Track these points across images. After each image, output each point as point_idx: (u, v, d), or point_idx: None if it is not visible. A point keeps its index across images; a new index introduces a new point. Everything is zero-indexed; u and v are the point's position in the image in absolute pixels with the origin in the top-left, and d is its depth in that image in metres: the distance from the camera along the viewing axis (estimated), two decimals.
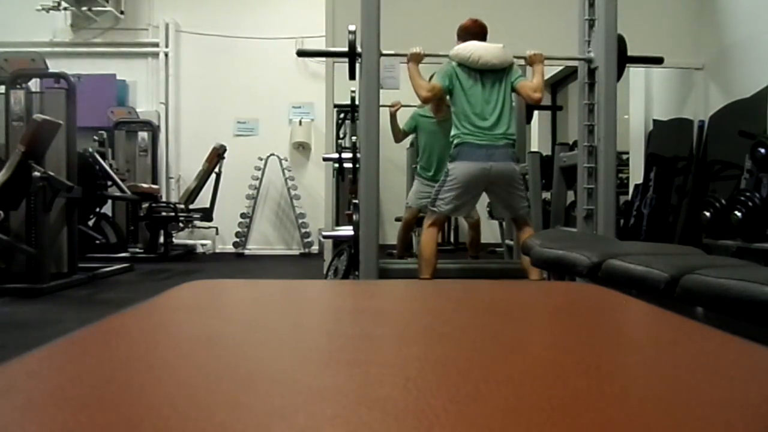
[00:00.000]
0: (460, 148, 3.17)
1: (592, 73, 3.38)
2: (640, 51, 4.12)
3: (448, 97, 3.36)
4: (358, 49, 3.12)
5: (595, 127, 3.34)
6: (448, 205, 3.24)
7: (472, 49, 3.20)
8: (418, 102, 4.41)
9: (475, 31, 3.34)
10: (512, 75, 3.25)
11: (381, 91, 3.14)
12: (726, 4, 4.11)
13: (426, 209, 3.56)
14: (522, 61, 3.35)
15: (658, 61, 3.80)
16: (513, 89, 3.25)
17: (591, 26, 3.39)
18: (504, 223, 5.08)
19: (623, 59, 3.41)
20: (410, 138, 6.23)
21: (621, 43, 3.36)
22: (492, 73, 3.21)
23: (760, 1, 3.79)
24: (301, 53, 3.64)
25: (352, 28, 3.18)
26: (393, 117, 4.36)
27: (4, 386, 0.43)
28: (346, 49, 3.18)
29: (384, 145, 3.30)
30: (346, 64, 3.39)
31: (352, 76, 3.30)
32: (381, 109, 3.22)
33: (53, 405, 0.40)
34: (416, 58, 3.27)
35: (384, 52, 3.14)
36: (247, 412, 0.38)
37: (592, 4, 3.38)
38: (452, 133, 3.24)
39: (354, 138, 4.69)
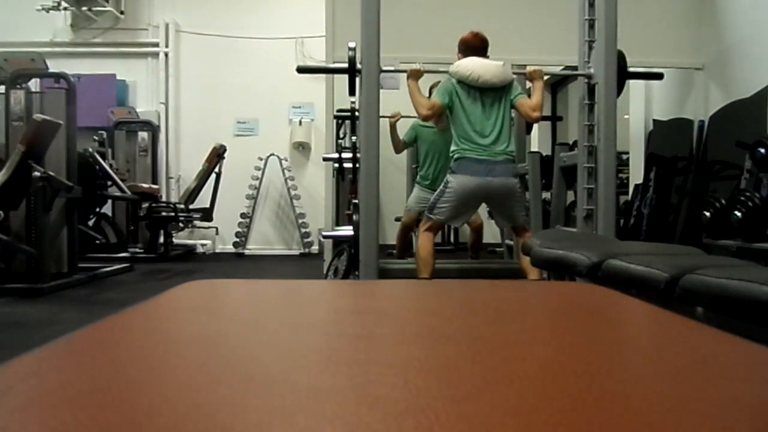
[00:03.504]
0: (460, 162, 3.18)
1: (592, 89, 3.37)
2: (640, 51, 4.14)
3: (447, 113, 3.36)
4: (358, 66, 3.11)
5: (595, 127, 3.34)
6: (444, 214, 3.26)
7: (472, 67, 3.20)
8: None
9: (475, 45, 3.33)
10: (512, 92, 3.26)
11: (381, 96, 3.12)
12: (726, 4, 4.11)
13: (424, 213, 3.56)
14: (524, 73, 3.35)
15: (657, 77, 3.83)
16: (512, 106, 3.26)
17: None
18: None
19: (623, 75, 3.42)
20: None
21: (621, 59, 3.37)
22: (492, 92, 3.22)
23: (760, 1, 3.79)
24: (301, 70, 3.63)
25: (351, 45, 3.19)
26: (393, 128, 4.34)
27: (4, 386, 0.43)
28: (345, 65, 3.16)
29: (384, 144, 3.30)
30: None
31: (351, 92, 3.30)
32: (381, 120, 3.21)
33: (53, 405, 0.40)
34: (416, 75, 3.27)
35: (384, 67, 3.12)
36: (247, 412, 0.38)
37: (592, 4, 3.38)
38: (452, 148, 3.25)
39: (354, 138, 4.69)
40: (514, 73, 3.35)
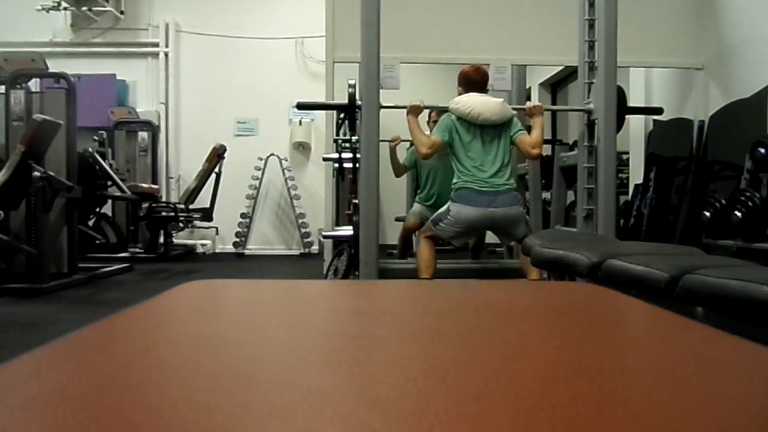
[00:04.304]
0: (461, 192, 3.19)
1: (591, 125, 3.38)
2: (640, 51, 4.14)
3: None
4: (358, 102, 3.12)
5: (596, 127, 3.34)
6: (445, 234, 3.29)
7: (472, 105, 3.20)
8: None
9: (475, 80, 3.34)
10: (512, 129, 3.26)
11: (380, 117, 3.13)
12: (726, 4, 4.10)
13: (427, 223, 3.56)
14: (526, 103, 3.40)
15: (657, 111, 3.82)
16: (512, 143, 3.27)
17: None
18: None
19: (623, 111, 3.45)
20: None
21: (620, 94, 3.38)
22: (491, 128, 3.23)
23: (760, 1, 3.79)
24: (301, 106, 3.63)
25: (351, 82, 3.21)
26: (393, 152, 4.32)
27: (4, 386, 0.43)
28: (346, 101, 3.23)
29: (383, 144, 3.29)
30: (346, 65, 3.39)
31: (352, 128, 3.29)
32: (380, 144, 3.20)
33: (53, 405, 0.40)
34: (416, 111, 3.28)
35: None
36: (247, 412, 0.38)
37: (592, 4, 3.38)
38: (454, 180, 3.26)
39: (354, 138, 4.68)
40: (514, 109, 3.37)
